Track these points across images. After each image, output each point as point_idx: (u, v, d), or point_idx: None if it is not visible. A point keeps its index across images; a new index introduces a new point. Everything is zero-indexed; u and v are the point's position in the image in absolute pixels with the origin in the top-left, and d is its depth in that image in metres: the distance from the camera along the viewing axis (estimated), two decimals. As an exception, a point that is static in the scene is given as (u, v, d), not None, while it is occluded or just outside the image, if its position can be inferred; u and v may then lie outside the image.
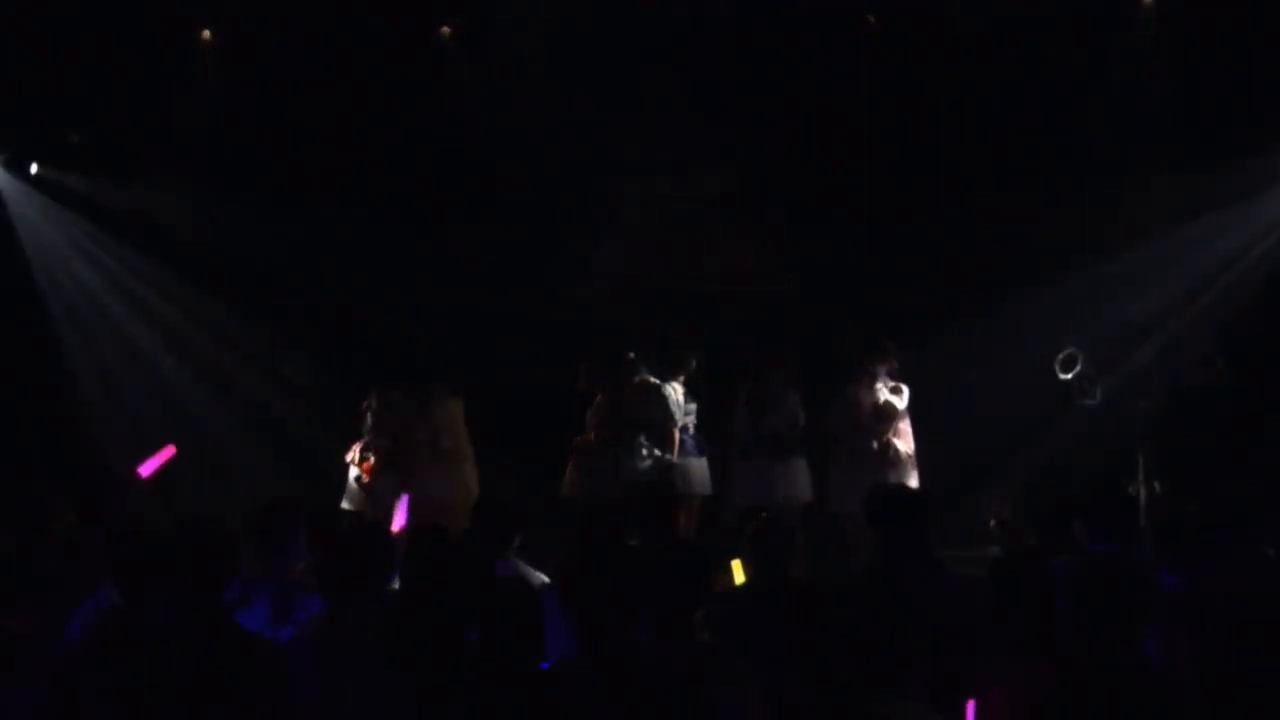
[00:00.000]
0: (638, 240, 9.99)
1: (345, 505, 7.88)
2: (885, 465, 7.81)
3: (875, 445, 7.88)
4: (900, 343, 8.19)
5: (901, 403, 7.98)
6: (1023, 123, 8.97)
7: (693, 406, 8.24)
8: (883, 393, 7.96)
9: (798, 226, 9.77)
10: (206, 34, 8.95)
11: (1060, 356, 8.59)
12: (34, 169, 9.01)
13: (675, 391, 8.08)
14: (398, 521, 5.65)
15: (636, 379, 8.07)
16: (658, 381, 8.07)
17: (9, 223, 9.11)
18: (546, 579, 4.56)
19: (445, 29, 9.26)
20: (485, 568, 4.07)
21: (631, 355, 8.15)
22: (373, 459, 7.83)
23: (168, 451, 4.58)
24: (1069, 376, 8.61)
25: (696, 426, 8.29)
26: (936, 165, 9.16)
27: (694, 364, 8.30)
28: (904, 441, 7.95)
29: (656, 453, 7.95)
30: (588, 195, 10.00)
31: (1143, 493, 8.00)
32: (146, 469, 4.31)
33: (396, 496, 7.59)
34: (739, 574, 5.04)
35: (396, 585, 4.32)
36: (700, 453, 8.23)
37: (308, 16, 8.84)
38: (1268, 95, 8.28)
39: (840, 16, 9.12)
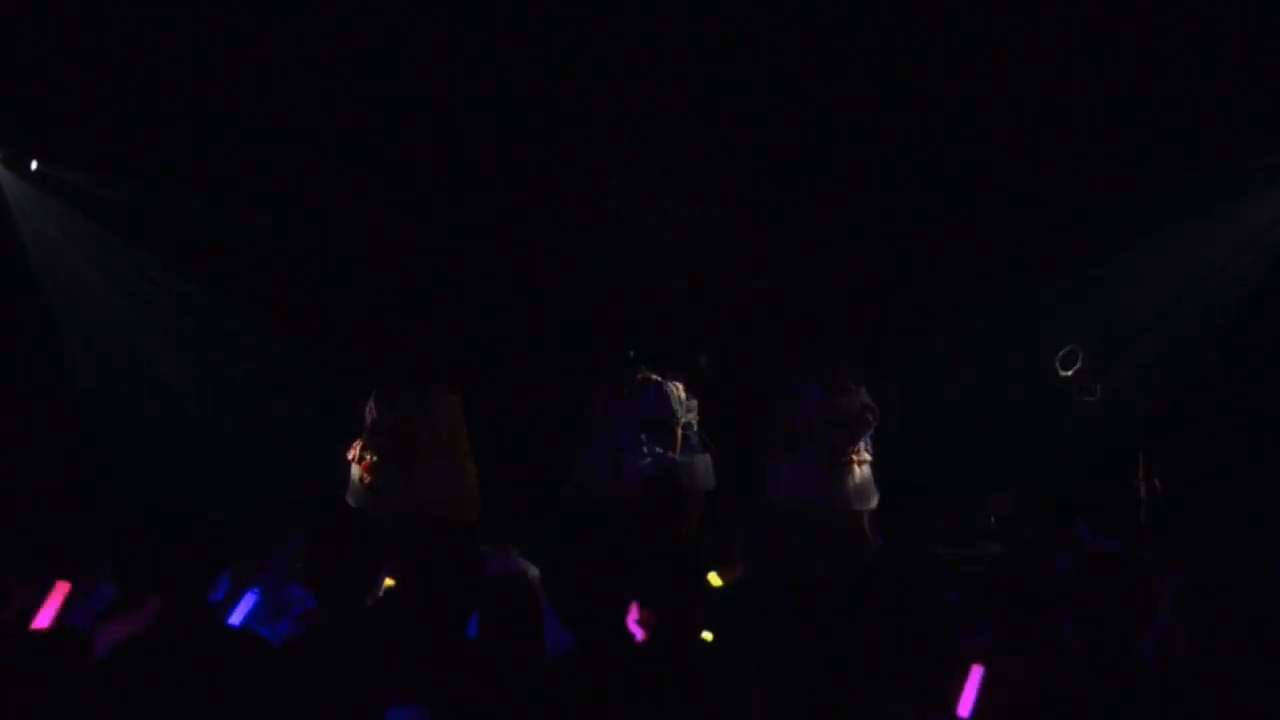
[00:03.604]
0: (638, 240, 9.99)
1: (348, 502, 7.88)
2: (847, 467, 7.75)
3: (848, 448, 7.77)
4: (900, 340, 8.19)
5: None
6: (1023, 121, 8.97)
7: (694, 403, 8.24)
8: (864, 396, 7.90)
9: (797, 226, 9.77)
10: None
11: (1060, 354, 8.61)
12: (34, 165, 9.00)
13: (676, 389, 8.07)
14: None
15: (637, 377, 8.06)
16: (659, 379, 8.07)
17: (9, 219, 9.11)
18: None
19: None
20: (485, 563, 4.06)
21: (631, 354, 8.15)
22: (373, 457, 7.83)
23: (60, 590, 3.99)
24: (1069, 373, 8.63)
25: (700, 423, 8.29)
26: (936, 164, 9.17)
27: (704, 362, 8.30)
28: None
29: (658, 450, 7.95)
30: (588, 195, 10.00)
31: (1142, 490, 8.02)
32: (43, 619, 3.88)
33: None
34: (715, 582, 5.06)
35: (395, 581, 4.33)
36: (704, 449, 8.23)
37: (310, 17, 8.83)
38: (1268, 95, 8.28)
39: (840, 16, 9.13)
